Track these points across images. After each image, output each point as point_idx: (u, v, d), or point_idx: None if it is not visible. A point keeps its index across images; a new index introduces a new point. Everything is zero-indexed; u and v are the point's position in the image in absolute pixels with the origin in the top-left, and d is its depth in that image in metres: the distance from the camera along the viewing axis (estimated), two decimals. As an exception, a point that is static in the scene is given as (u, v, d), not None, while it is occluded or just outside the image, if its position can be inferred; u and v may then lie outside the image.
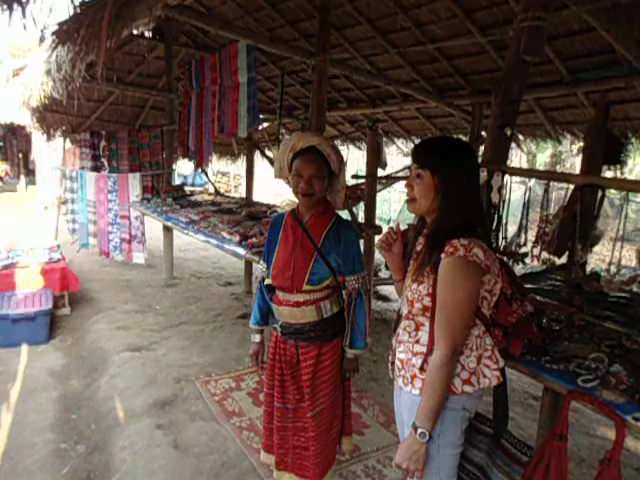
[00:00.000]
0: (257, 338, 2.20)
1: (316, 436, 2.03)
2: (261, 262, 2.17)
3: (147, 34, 5.69)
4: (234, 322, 4.70)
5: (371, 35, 4.69)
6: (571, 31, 3.48)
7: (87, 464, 2.55)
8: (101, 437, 2.77)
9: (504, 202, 2.07)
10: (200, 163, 5.21)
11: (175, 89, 5.81)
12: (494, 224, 2.06)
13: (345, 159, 2.07)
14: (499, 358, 1.46)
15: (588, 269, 2.84)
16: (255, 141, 5.89)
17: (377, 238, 3.32)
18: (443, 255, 1.33)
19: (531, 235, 3.16)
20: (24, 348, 3.88)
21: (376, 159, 3.83)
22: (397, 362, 1.52)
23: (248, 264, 5.72)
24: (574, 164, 15.46)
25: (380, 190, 4.68)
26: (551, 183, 2.94)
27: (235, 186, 14.68)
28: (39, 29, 1.83)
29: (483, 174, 2.07)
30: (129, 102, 6.89)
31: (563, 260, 2.70)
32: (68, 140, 6.98)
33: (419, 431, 1.34)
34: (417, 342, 1.45)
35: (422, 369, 1.41)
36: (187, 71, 5.32)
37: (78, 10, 1.88)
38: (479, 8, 3.77)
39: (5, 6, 1.59)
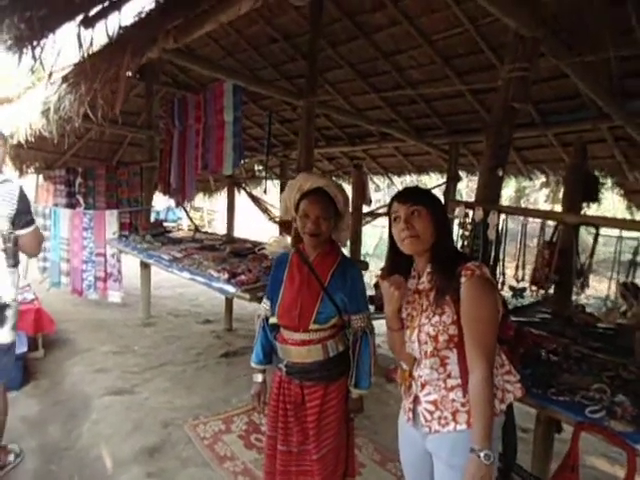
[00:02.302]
0: (259, 378, 2.16)
1: (321, 480, 1.99)
2: (264, 300, 2.17)
3: (128, 73, 5.74)
4: (217, 361, 4.60)
5: (352, 78, 4.89)
6: (542, 78, 3.74)
7: (73, 519, 2.41)
8: (86, 489, 2.62)
9: (500, 239, 2.17)
10: (183, 199, 5.19)
11: (155, 126, 5.83)
12: (491, 260, 2.15)
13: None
14: (515, 371, 1.53)
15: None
16: (235, 178, 5.93)
17: (366, 274, 3.34)
18: (463, 279, 1.40)
19: (510, 270, 3.30)
20: (-4, 395, 3.67)
21: (362, 196, 3.93)
22: (426, 406, 1.51)
23: (229, 301, 5.65)
24: (537, 198, 16.18)
25: (364, 225, 4.78)
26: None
27: (209, 221, 14.61)
28: (47, 71, 1.85)
29: (479, 212, 2.17)
30: (107, 139, 6.86)
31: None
32: (41, 176, 6.84)
33: (483, 453, 1.32)
34: (449, 377, 1.47)
35: (465, 400, 1.43)
36: (170, 109, 5.37)
37: (85, 55, 1.91)
38: (456, 55, 4.02)
39: (16, 48, 1.61)
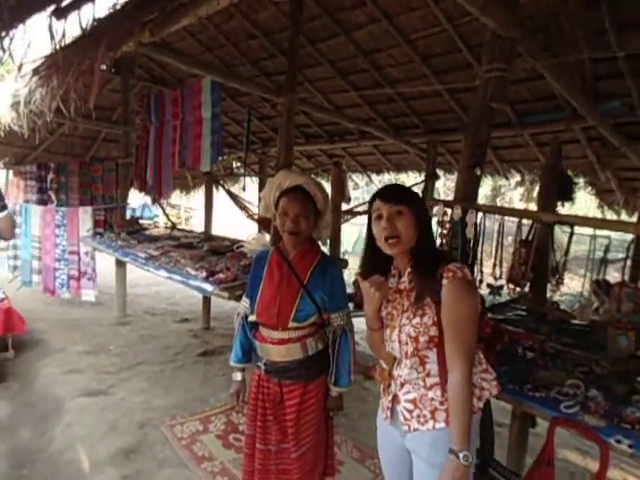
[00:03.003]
0: (239, 376, 2.14)
1: (300, 478, 1.98)
2: (244, 298, 2.14)
3: (102, 67, 5.60)
4: (195, 360, 4.54)
5: (331, 75, 4.88)
6: (519, 78, 3.80)
7: (45, 525, 2.34)
8: (60, 493, 2.56)
9: (479, 238, 2.19)
10: (159, 197, 5.10)
11: (131, 122, 5.71)
12: (470, 258, 2.17)
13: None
14: (491, 369, 1.55)
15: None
16: (213, 175, 5.86)
17: (345, 272, 3.34)
18: (445, 281, 1.40)
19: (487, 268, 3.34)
20: (-37, 398, 3.55)
21: (341, 194, 3.93)
22: (405, 405, 1.51)
23: (206, 300, 5.59)
24: (512, 197, 16.48)
25: (344, 223, 4.78)
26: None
27: (186, 219, 14.42)
28: (17, 63, 1.77)
29: (457, 211, 2.19)
30: (80, 134, 6.66)
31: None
32: (11, 172, 6.63)
33: (462, 454, 1.34)
34: (428, 375, 1.47)
35: (444, 399, 1.44)
36: (146, 104, 5.25)
37: (58, 48, 1.85)
38: (434, 55, 4.05)
39: (-16, 40, 1.54)
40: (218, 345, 4.96)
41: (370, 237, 1.58)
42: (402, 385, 1.53)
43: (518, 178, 6.16)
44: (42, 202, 6.21)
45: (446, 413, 1.45)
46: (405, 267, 1.55)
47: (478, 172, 2.24)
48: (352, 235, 10.93)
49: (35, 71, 2.35)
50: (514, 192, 15.54)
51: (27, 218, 6.16)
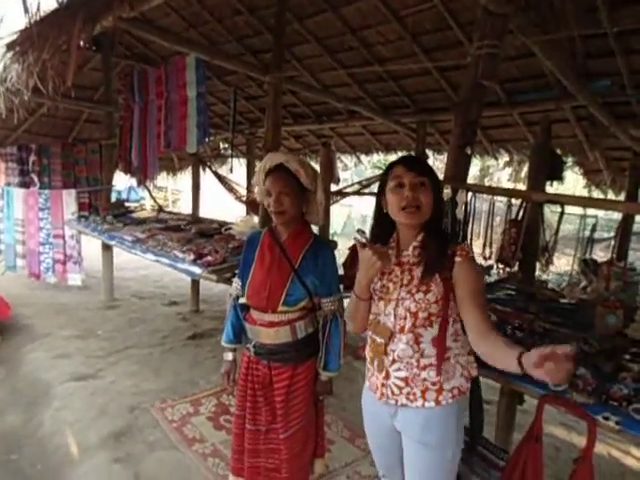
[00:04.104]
0: (229, 356, 2.14)
1: (289, 459, 1.99)
2: (235, 279, 2.12)
3: (81, 44, 5.43)
4: (184, 344, 4.53)
5: (319, 53, 4.79)
6: (509, 56, 3.75)
7: (36, 509, 2.34)
8: (50, 478, 2.54)
9: (468, 218, 2.18)
10: (145, 178, 5.01)
11: (114, 102, 5.56)
12: (459, 238, 2.16)
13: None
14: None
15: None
16: (200, 156, 5.76)
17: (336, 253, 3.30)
18: (458, 259, 1.43)
19: (476, 249, 3.35)
20: (-52, 384, 3.51)
21: (330, 175, 3.88)
22: (395, 381, 1.51)
23: (195, 283, 5.56)
24: (500, 177, 16.55)
25: (333, 204, 4.74)
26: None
27: (173, 201, 14.25)
28: (-11, 38, 1.69)
29: (447, 191, 2.16)
30: (61, 114, 6.49)
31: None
32: (-9, 154, 6.45)
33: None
34: (422, 356, 1.47)
35: (437, 380, 1.46)
36: (129, 83, 5.11)
37: (32, 22, 1.76)
38: (424, 32, 3.97)
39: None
40: (207, 328, 4.95)
41: (379, 207, 1.56)
42: (394, 361, 1.51)
43: (506, 158, 6.17)
44: (24, 185, 6.07)
45: (437, 393, 1.45)
46: (411, 241, 1.52)
47: (469, 151, 2.21)
48: (341, 216, 10.93)
49: (9, 46, 2.24)
50: (502, 172, 15.60)
51: (9, 201, 6.02)
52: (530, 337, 2.05)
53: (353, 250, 4.21)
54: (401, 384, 1.50)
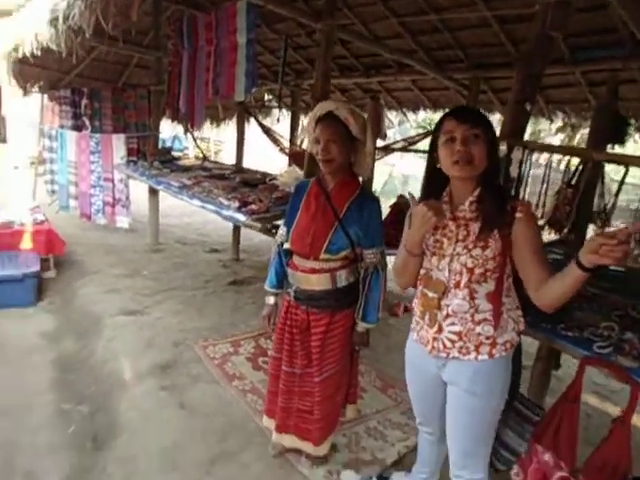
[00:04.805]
0: (271, 300, 2.22)
1: (321, 401, 2.08)
2: (281, 226, 2.17)
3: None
4: (225, 289, 4.69)
5: (372, 1, 4.59)
6: (576, 8, 3.49)
7: (92, 424, 2.55)
8: (103, 398, 2.76)
9: (523, 177, 2.12)
10: (192, 126, 5.06)
11: (163, 47, 5.57)
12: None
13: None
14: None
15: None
16: (246, 106, 5.75)
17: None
18: (519, 215, 1.40)
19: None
20: (13, 310, 3.79)
21: (377, 129, 3.81)
22: (448, 335, 1.52)
23: (236, 232, 5.69)
24: (552, 143, 15.77)
25: (378, 160, 4.68)
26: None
27: (215, 152, 14.37)
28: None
29: (502, 148, 2.10)
30: (112, 59, 6.57)
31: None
32: (46, 97, 6.65)
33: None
34: (476, 311, 1.48)
35: (492, 335, 1.48)
36: (178, 29, 5.09)
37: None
38: (486, -21, 3.74)
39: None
40: (247, 276, 5.10)
41: (431, 162, 1.54)
42: (448, 316, 1.52)
43: (560, 123, 5.85)
44: (77, 128, 6.26)
45: (490, 347, 1.47)
46: (466, 195, 1.50)
47: (528, 107, 2.12)
48: (383, 175, 10.79)
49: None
50: (554, 138, 14.84)
51: (63, 143, 6.25)
52: (576, 300, 2.02)
53: (393, 208, 4.18)
54: (454, 338, 1.51)
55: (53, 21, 2.71)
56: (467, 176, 1.45)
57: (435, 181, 1.55)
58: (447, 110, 1.54)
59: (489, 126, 1.44)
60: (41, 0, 3.09)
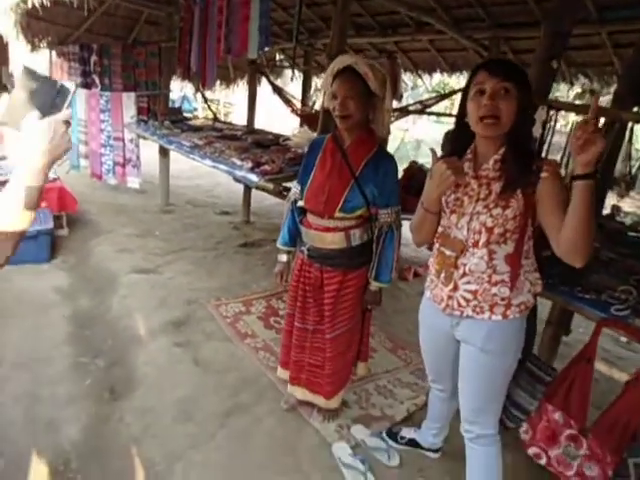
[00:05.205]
0: (284, 258, 2.23)
1: (332, 357, 2.11)
2: (295, 184, 2.15)
3: None
4: (235, 250, 4.71)
5: (391, -45, 4.39)
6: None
7: (109, 377, 2.62)
8: (119, 353, 2.82)
9: (547, 137, 2.06)
10: (203, 85, 4.97)
11: (174, 2, 5.40)
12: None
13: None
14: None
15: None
16: (258, 65, 5.61)
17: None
18: (545, 174, 1.35)
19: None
20: (27, 266, 3.84)
21: (393, 89, 3.70)
22: (464, 294, 1.52)
23: (247, 194, 5.66)
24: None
25: (392, 122, 4.57)
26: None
27: (225, 114, 14.18)
28: None
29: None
30: (121, 14, 6.41)
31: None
32: (54, 53, 6.53)
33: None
34: (494, 272, 1.46)
35: (508, 296, 1.47)
36: (189, -18, 4.93)
37: None
38: None
39: None
40: (257, 238, 5.11)
41: (460, 117, 1.49)
42: (464, 275, 1.51)
43: (579, 89, 5.67)
44: (86, 86, 6.16)
45: (505, 308, 1.47)
46: (491, 153, 1.46)
47: (555, 65, 2.05)
48: (395, 140, 10.61)
49: None
50: (572, 105, 14.44)
51: (72, 101, 6.15)
52: (594, 263, 2.01)
53: (406, 173, 4.13)
54: (469, 297, 1.51)
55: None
56: (492, 135, 1.41)
57: (461, 136, 1.51)
58: (464, 73, 1.49)
59: (523, 81, 1.37)
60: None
